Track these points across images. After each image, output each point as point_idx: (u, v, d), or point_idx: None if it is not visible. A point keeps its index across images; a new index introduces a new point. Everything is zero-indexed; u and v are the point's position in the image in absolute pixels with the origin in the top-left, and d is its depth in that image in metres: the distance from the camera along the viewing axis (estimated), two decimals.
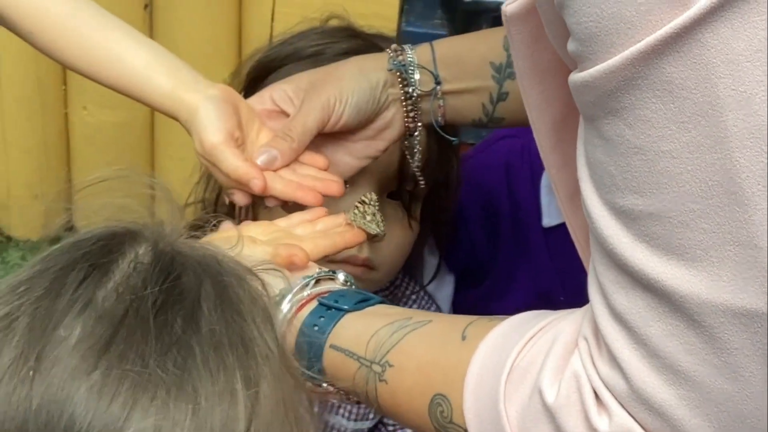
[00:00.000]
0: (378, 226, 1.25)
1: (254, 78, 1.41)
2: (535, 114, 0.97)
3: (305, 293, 1.07)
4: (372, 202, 1.27)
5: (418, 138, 1.30)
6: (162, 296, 0.75)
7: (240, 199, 1.22)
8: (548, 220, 1.53)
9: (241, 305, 0.79)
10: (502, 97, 1.29)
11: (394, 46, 1.30)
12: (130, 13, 2.26)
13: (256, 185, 1.19)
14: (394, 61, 1.28)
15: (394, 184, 1.39)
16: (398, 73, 1.28)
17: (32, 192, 2.43)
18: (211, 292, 0.77)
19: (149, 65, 1.22)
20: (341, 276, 1.11)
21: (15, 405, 0.71)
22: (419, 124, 1.30)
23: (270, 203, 1.22)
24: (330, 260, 1.21)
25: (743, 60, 0.73)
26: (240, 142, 1.22)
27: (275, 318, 0.81)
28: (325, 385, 1.05)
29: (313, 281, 1.09)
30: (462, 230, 1.58)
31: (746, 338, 0.78)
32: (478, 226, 1.59)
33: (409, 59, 1.28)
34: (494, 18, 2.08)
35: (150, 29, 2.29)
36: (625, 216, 0.82)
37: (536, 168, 1.53)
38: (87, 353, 0.72)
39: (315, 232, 1.20)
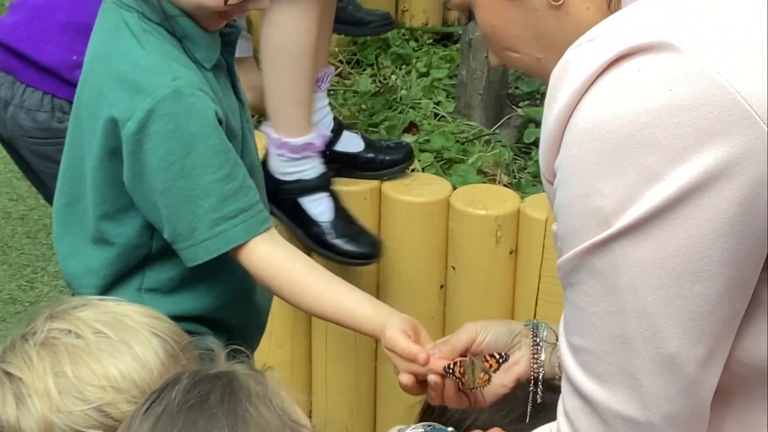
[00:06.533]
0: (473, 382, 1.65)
1: None
2: None
3: None
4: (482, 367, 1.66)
5: (541, 389, 1.73)
6: (185, 397, 1.25)
7: (405, 379, 1.69)
8: None
9: (241, 394, 1.26)
10: None
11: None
12: (429, 294, 2.76)
13: (422, 357, 1.66)
14: (532, 322, 1.76)
15: None
16: (532, 330, 1.75)
17: (343, 426, 2.91)
18: (219, 389, 1.26)
19: (359, 303, 1.78)
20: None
21: None
22: (541, 371, 1.73)
23: (430, 379, 1.67)
24: None
25: (636, 264, 1.20)
26: (413, 340, 1.69)
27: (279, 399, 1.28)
28: None
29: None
30: None
31: None
32: None
33: (542, 323, 1.76)
34: None
35: (444, 311, 2.78)
36: (573, 349, 1.27)
37: None
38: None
39: None
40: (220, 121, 1.78)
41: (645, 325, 1.22)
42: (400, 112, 3.26)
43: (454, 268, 2.74)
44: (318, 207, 2.65)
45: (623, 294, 1.22)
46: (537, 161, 3.03)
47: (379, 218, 2.79)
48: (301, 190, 2.65)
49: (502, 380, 1.74)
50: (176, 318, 1.84)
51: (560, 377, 1.66)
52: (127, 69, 1.77)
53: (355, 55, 3.64)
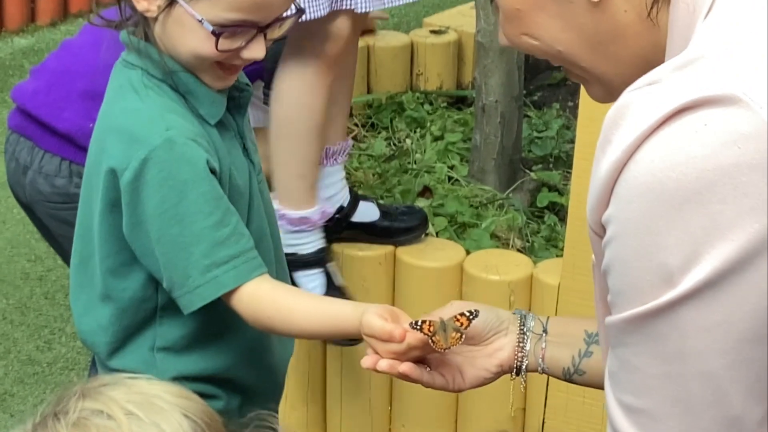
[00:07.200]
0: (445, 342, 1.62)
1: None
2: (601, 329, 1.34)
3: None
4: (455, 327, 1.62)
5: (524, 379, 1.71)
6: None
7: (385, 365, 1.62)
8: None
9: None
10: (587, 354, 1.70)
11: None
12: None
13: (397, 333, 1.62)
14: (521, 311, 1.74)
15: None
16: (519, 318, 1.72)
17: None
18: None
19: (341, 308, 1.77)
20: None
21: None
22: (525, 360, 1.70)
23: (402, 369, 1.62)
24: None
25: (702, 330, 1.15)
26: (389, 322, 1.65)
27: None
28: None
29: None
30: None
31: None
32: None
33: (530, 314, 1.74)
34: None
35: None
36: (627, 409, 1.21)
37: None
38: None
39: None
40: (213, 171, 1.82)
41: (710, 389, 1.18)
42: (415, 176, 3.30)
43: None
44: (310, 283, 2.68)
45: (688, 358, 1.18)
46: (549, 225, 3.08)
47: (394, 283, 2.83)
48: (295, 264, 2.66)
49: (485, 364, 1.71)
50: (189, 379, 1.89)
51: (543, 369, 1.71)
52: (124, 121, 1.83)
53: (370, 118, 3.69)
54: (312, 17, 2.53)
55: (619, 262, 1.19)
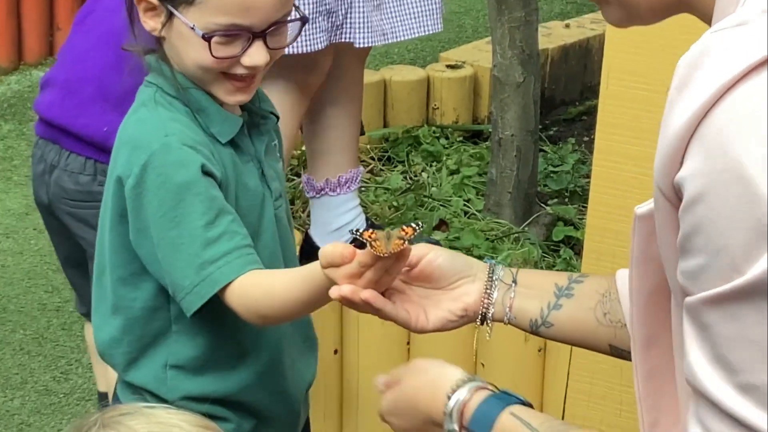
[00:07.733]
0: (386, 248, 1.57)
1: None
2: (635, 284, 1.30)
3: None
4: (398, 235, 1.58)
5: (489, 327, 1.69)
6: None
7: (345, 291, 1.58)
8: None
9: None
10: (557, 306, 1.67)
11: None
12: None
13: (347, 252, 1.58)
14: (491, 260, 1.71)
15: None
16: (489, 266, 1.69)
17: None
18: None
19: (312, 266, 1.67)
20: None
21: None
22: (491, 309, 1.67)
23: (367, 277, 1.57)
24: None
25: None
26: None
27: None
28: None
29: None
30: None
31: None
32: None
33: (501, 264, 1.71)
34: None
35: None
36: (744, 390, 1.10)
37: None
38: None
39: None
40: (210, 174, 1.83)
41: None
42: (431, 210, 3.32)
43: (483, 365, 2.77)
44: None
45: None
46: (565, 259, 3.09)
47: None
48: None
49: (450, 306, 1.67)
50: (199, 399, 1.90)
51: (510, 319, 1.67)
52: (131, 131, 1.88)
53: (387, 152, 3.71)
54: (309, 50, 2.53)
55: (710, 220, 1.10)
